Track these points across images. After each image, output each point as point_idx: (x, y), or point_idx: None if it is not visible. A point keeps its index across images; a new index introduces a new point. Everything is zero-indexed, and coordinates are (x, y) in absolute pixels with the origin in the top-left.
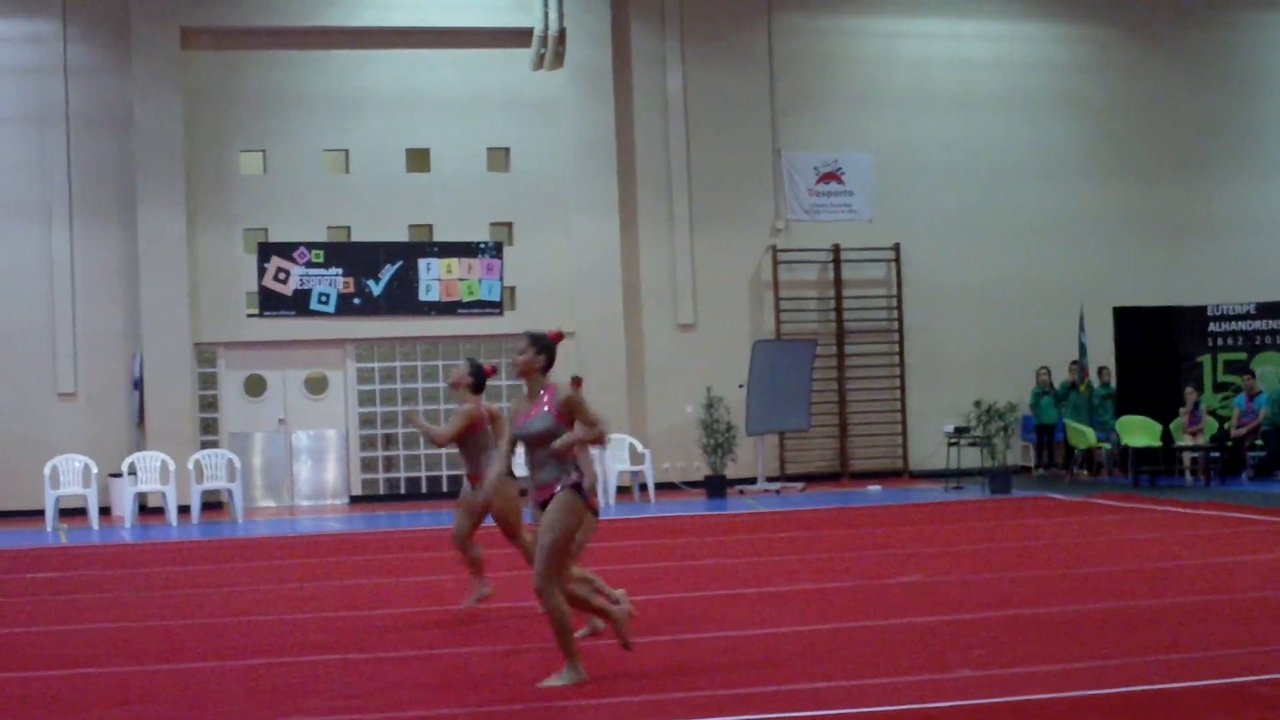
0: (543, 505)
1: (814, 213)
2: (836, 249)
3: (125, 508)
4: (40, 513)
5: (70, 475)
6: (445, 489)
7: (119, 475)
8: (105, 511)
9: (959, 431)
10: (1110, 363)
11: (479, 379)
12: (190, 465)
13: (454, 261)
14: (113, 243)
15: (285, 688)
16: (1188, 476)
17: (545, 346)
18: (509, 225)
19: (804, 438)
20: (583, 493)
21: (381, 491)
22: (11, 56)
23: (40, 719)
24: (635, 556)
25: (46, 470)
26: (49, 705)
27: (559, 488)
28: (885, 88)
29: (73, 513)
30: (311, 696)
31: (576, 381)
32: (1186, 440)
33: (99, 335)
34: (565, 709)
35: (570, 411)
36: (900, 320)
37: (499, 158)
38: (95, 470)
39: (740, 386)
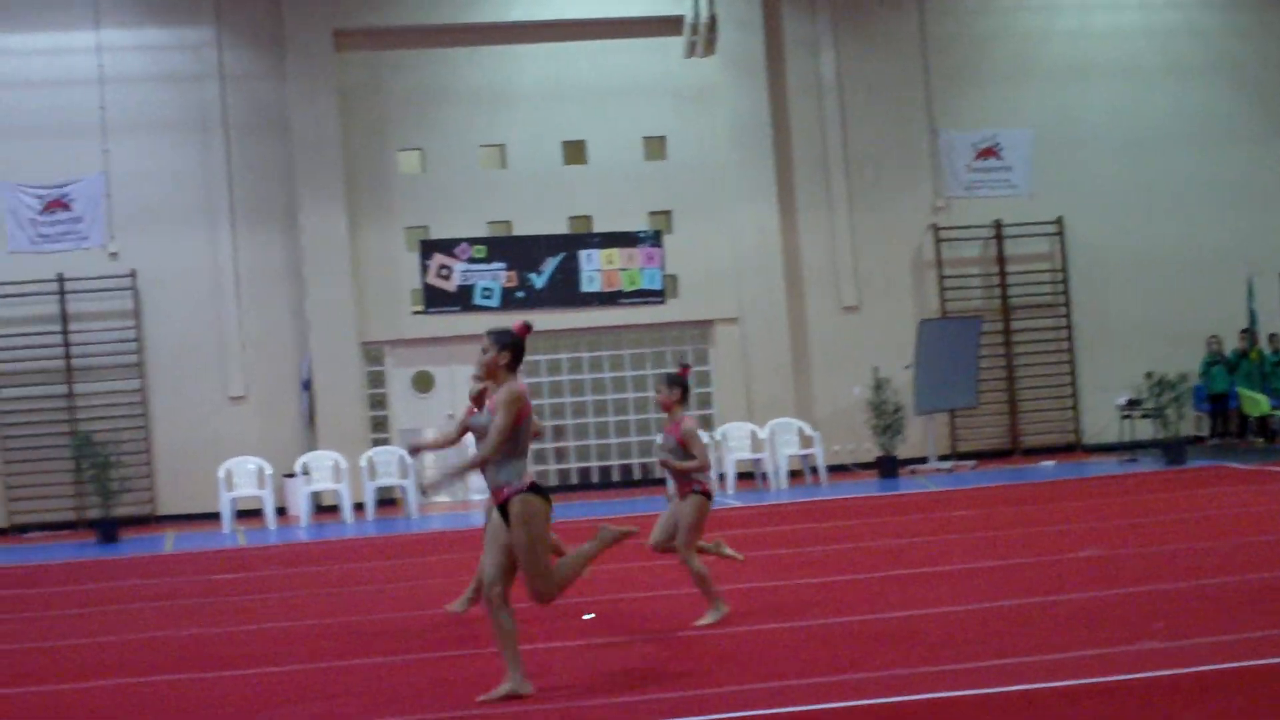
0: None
1: (973, 189)
2: (998, 225)
3: (300, 507)
4: (217, 515)
5: (244, 477)
6: (615, 479)
7: (292, 475)
8: (281, 512)
9: (1131, 404)
10: None
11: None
12: (363, 463)
13: (615, 252)
14: (276, 246)
15: (468, 679)
16: None
17: (508, 343)
18: (668, 213)
19: (973, 415)
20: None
21: (553, 483)
22: (170, 65)
23: None
24: (809, 540)
25: (221, 473)
26: (238, 706)
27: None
28: (1041, 61)
29: (248, 514)
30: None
31: (684, 370)
32: None
33: (267, 338)
34: (781, 689)
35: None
36: (1067, 293)
37: (655, 146)
38: (269, 471)
39: (907, 366)
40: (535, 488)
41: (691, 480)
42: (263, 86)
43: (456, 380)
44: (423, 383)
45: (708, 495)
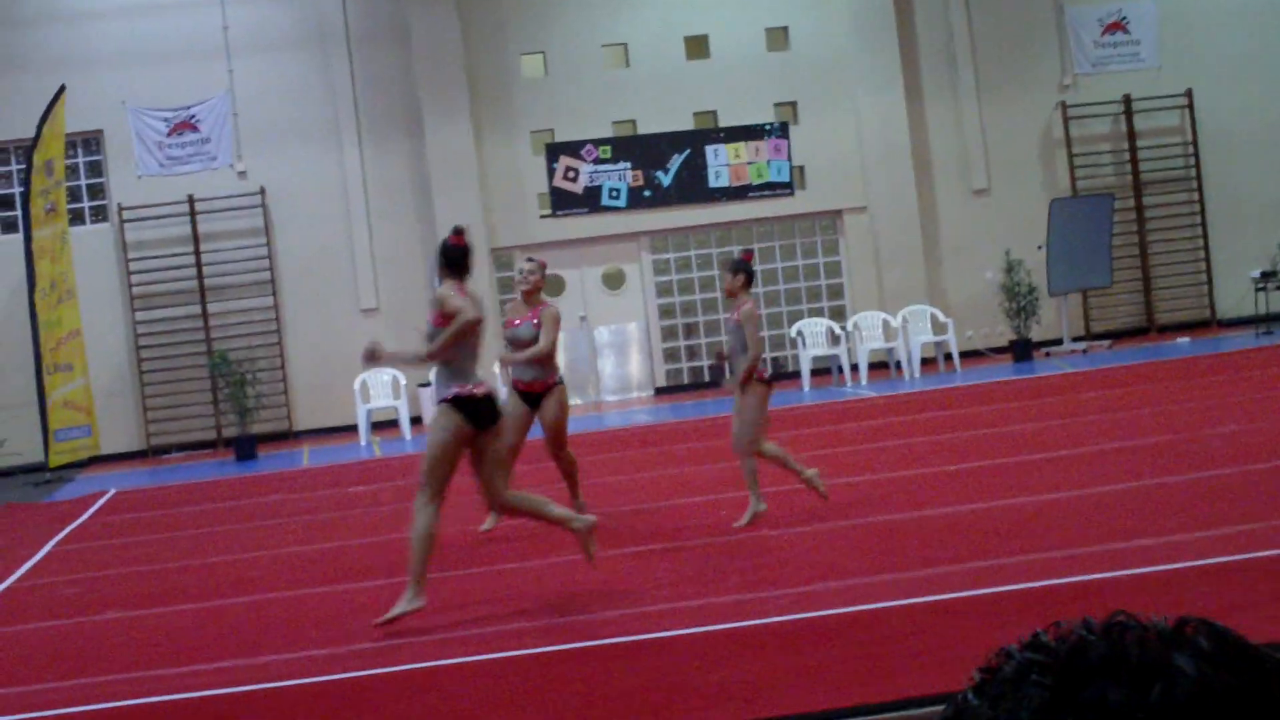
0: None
1: (1101, 65)
2: (1127, 100)
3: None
4: (353, 428)
5: (379, 389)
6: None
7: (427, 385)
8: (416, 421)
9: (1265, 276)
10: None
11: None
12: (494, 369)
13: (740, 146)
14: (402, 157)
15: (623, 580)
16: None
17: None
18: (793, 105)
19: (1107, 294)
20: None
21: (685, 381)
22: None
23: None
24: (944, 427)
25: (356, 385)
26: (376, 613)
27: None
28: None
29: (384, 425)
30: (646, 587)
31: (747, 255)
32: None
33: (396, 249)
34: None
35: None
36: (1198, 168)
37: (777, 37)
38: (404, 382)
39: (1039, 247)
40: (458, 400)
41: (750, 369)
42: None
43: (586, 281)
44: (553, 286)
45: (768, 384)
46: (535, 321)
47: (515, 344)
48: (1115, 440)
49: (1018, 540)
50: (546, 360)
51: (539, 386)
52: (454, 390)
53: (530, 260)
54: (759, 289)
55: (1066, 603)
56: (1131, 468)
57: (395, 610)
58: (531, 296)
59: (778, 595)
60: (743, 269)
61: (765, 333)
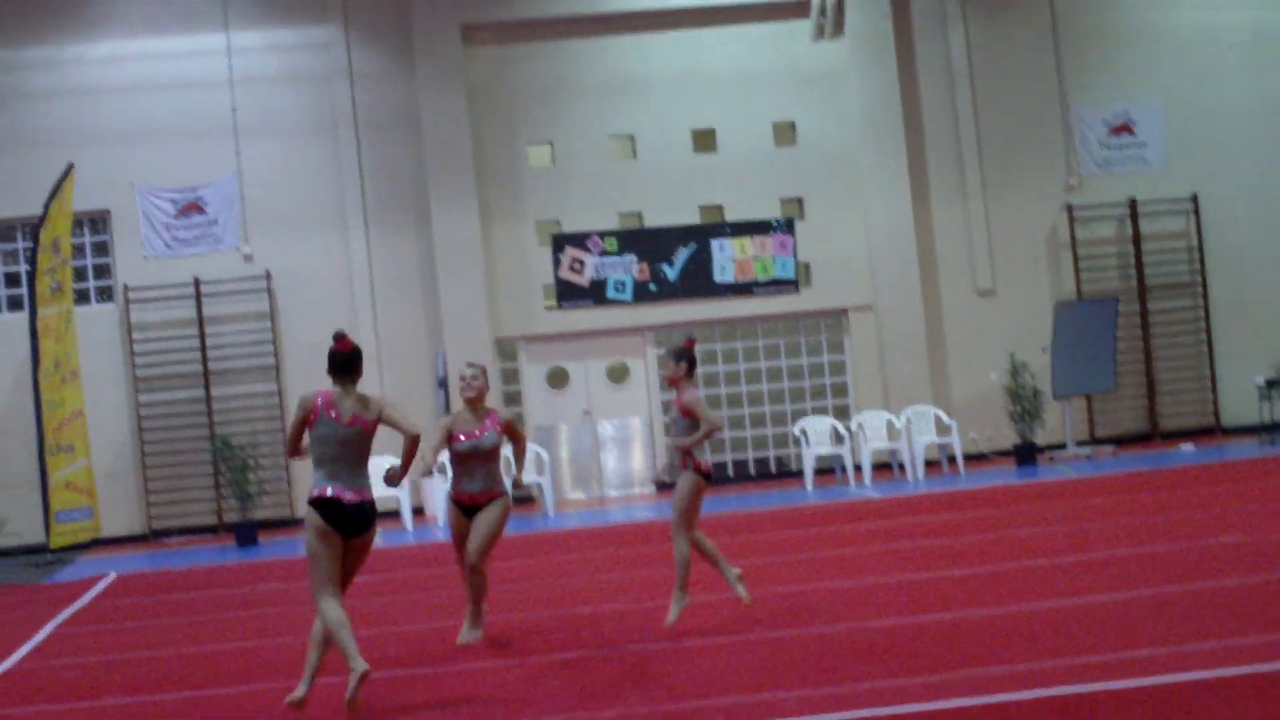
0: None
1: (1107, 166)
2: (1132, 203)
3: (438, 506)
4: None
5: (380, 477)
6: (752, 471)
7: (430, 476)
8: (419, 512)
9: (1270, 384)
10: None
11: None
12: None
13: (747, 240)
14: (409, 244)
15: (613, 678)
16: None
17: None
18: (799, 200)
19: (1111, 399)
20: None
21: None
22: (299, 64)
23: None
24: (947, 530)
25: None
26: (374, 704)
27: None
28: (1173, 32)
29: (385, 515)
30: (640, 687)
31: (690, 342)
32: None
33: (401, 336)
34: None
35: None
36: (1203, 272)
37: (785, 132)
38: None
39: (1044, 350)
40: (315, 502)
41: (686, 457)
42: (391, 84)
43: (591, 374)
44: (557, 378)
45: (705, 475)
46: (497, 428)
47: (477, 454)
48: (1118, 548)
49: (1022, 647)
50: (496, 469)
51: (483, 498)
52: (313, 494)
53: (471, 366)
54: (763, 385)
55: (1067, 713)
56: (1133, 576)
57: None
58: (477, 404)
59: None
60: (685, 356)
61: (769, 430)
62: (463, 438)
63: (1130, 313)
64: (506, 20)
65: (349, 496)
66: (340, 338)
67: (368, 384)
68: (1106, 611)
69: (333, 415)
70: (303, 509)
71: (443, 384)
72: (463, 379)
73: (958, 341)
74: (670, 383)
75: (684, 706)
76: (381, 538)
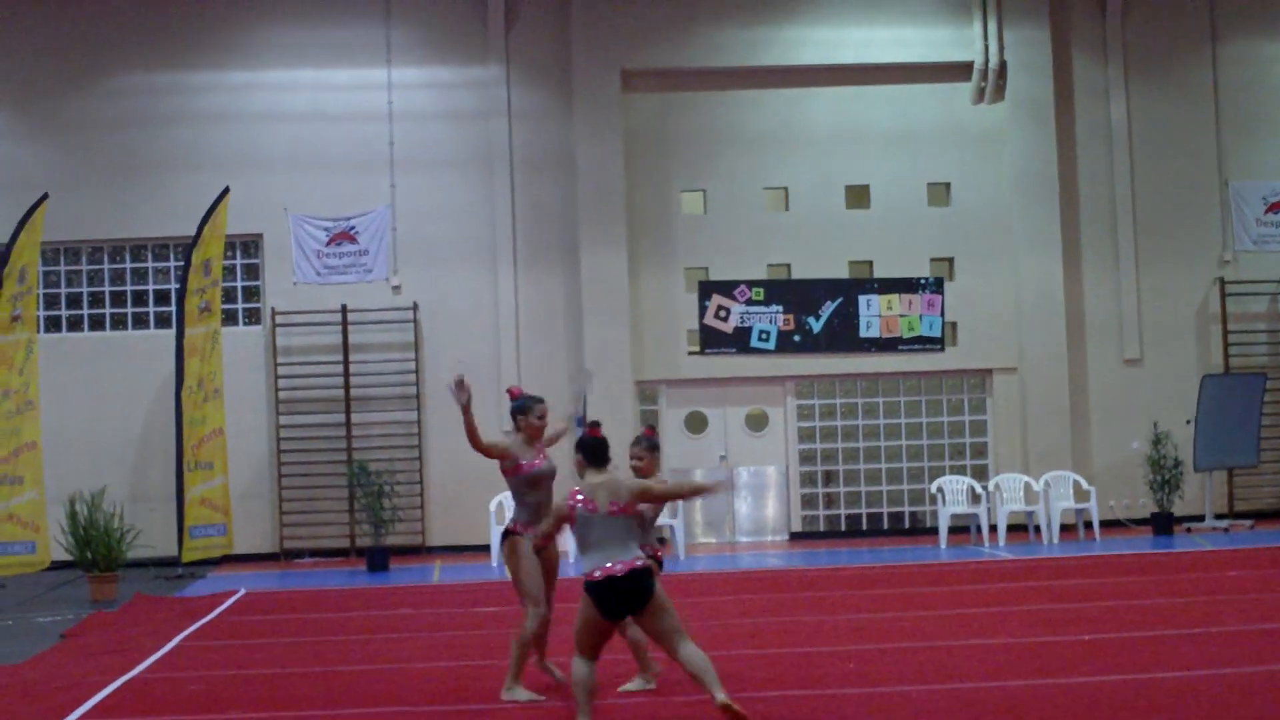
0: None
1: (1262, 243)
2: None
3: (570, 543)
4: (485, 548)
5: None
6: (886, 526)
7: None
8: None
9: None
10: None
11: (657, 447)
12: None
13: (894, 298)
14: (556, 283)
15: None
16: None
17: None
18: (949, 260)
19: (1253, 473)
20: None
21: (821, 528)
22: (460, 102)
23: None
24: (1080, 596)
25: (492, 506)
26: None
27: None
28: None
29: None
30: None
31: (649, 431)
32: None
33: (542, 374)
34: None
35: None
36: None
37: (939, 192)
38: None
39: (1188, 422)
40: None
41: (645, 544)
42: (549, 126)
43: (729, 421)
44: (696, 424)
45: (658, 561)
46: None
47: (545, 479)
48: (1250, 622)
49: (1146, 714)
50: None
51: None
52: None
53: (543, 402)
54: (901, 441)
55: None
56: (1264, 651)
57: None
58: (537, 439)
59: None
60: (656, 446)
61: (905, 486)
62: (528, 469)
63: (1277, 389)
64: (667, 68)
65: (619, 570)
66: (594, 425)
67: (508, 421)
68: (1234, 683)
69: (591, 509)
70: (437, 538)
71: (581, 424)
72: (540, 417)
73: (1101, 408)
74: (643, 473)
75: None
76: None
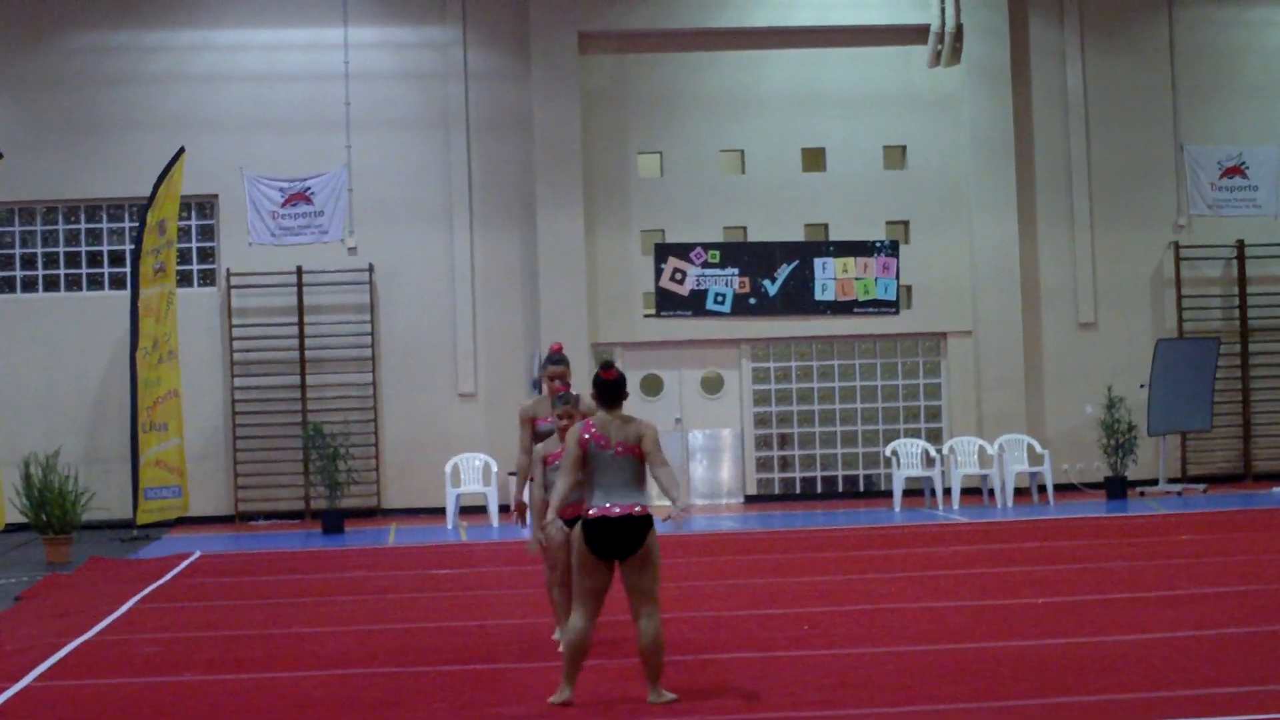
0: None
1: (1217, 208)
2: (1240, 245)
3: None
4: (440, 510)
5: (470, 473)
6: (840, 489)
7: (514, 474)
8: (504, 509)
9: None
10: None
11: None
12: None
13: (850, 260)
14: (512, 245)
15: (690, 688)
16: None
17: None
18: (905, 224)
19: (1206, 438)
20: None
21: (777, 491)
22: (416, 63)
23: (449, 715)
24: (1033, 559)
25: (448, 468)
26: (450, 699)
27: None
28: None
29: (472, 510)
30: (715, 697)
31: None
32: None
33: (498, 336)
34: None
35: None
36: None
37: (895, 156)
38: (495, 469)
39: (1141, 386)
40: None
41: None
42: (506, 87)
43: (685, 384)
44: (651, 386)
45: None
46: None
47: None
48: (1203, 585)
49: (1097, 678)
50: None
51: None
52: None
53: (561, 364)
54: (856, 404)
55: None
56: (1215, 614)
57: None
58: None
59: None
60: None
61: (860, 449)
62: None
63: (1231, 354)
64: (624, 29)
65: (616, 511)
66: (608, 367)
67: (464, 383)
68: (1185, 647)
69: (602, 444)
70: (392, 500)
71: (536, 386)
72: (560, 378)
73: (1055, 372)
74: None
75: (758, 718)
76: (467, 533)
